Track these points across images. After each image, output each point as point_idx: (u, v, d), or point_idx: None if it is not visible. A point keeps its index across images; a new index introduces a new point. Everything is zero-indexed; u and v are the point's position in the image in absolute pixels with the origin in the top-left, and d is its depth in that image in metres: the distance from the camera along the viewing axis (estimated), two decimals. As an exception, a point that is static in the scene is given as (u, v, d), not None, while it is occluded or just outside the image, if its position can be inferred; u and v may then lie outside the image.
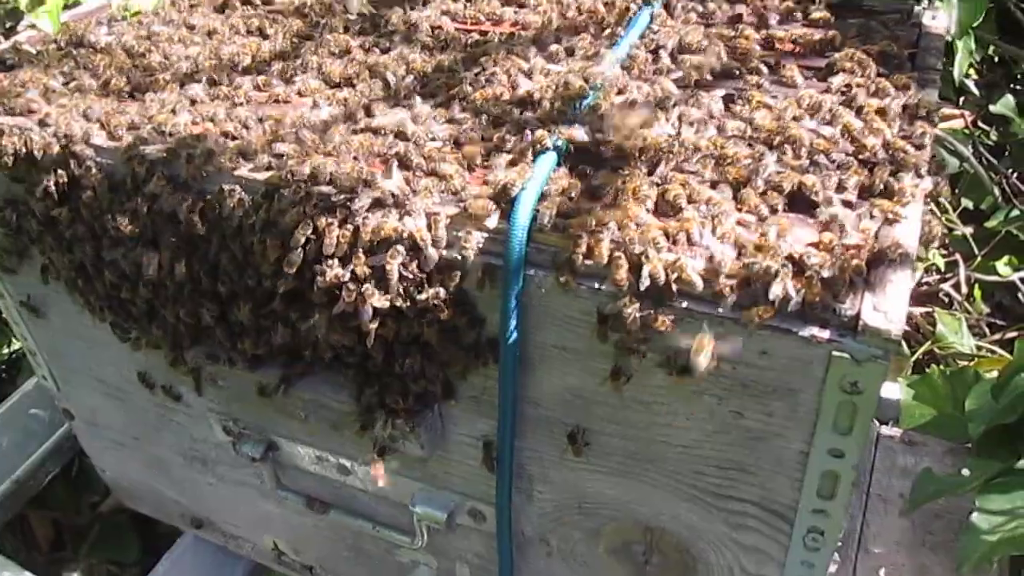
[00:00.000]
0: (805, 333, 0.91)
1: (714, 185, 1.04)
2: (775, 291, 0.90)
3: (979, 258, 2.59)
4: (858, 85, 1.19)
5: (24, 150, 1.26)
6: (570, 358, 1.08)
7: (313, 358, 1.23)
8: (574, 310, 1.03)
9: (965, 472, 1.81)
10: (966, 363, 2.33)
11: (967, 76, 2.81)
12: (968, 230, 2.65)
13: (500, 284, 1.03)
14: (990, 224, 2.62)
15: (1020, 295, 2.60)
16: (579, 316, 1.03)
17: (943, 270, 2.64)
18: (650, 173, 1.05)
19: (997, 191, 2.69)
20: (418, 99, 1.25)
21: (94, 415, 1.82)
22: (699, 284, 0.92)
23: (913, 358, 2.43)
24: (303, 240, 1.08)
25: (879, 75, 1.22)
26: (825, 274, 0.90)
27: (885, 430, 2.10)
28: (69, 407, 1.86)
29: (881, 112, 1.13)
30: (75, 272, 1.37)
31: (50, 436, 2.40)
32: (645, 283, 0.93)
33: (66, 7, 1.67)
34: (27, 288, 1.57)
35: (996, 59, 2.87)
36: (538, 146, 1.08)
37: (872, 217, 0.97)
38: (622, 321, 0.95)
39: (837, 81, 1.21)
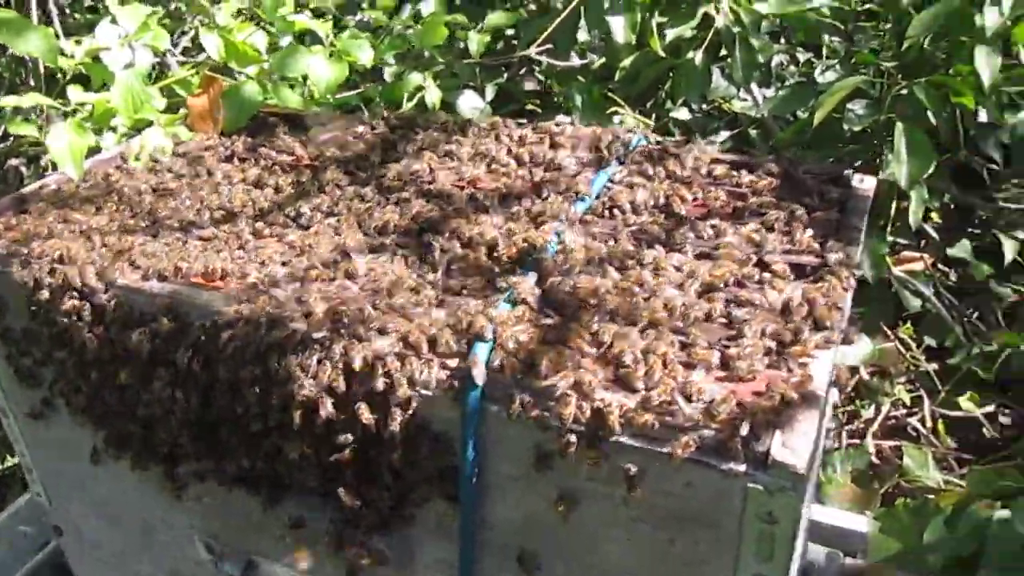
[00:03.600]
0: (724, 467, 1.02)
1: (650, 333, 1.17)
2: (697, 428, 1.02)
3: (943, 394, 2.71)
4: (783, 243, 1.34)
5: (49, 284, 1.41)
6: (523, 486, 1.19)
7: (291, 480, 1.34)
8: (526, 440, 1.14)
9: (921, 604, 1.87)
10: (935, 497, 2.41)
11: (927, 221, 3.01)
12: (932, 367, 2.78)
13: (460, 418, 1.15)
14: (952, 361, 2.75)
15: (985, 430, 2.69)
16: (531, 447, 1.14)
17: (909, 404, 2.75)
18: (598, 321, 1.18)
19: (959, 330, 2.83)
20: (394, 247, 1.41)
21: (83, 532, 1.90)
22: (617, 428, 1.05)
23: (881, 491, 2.51)
24: (283, 372, 1.21)
25: (802, 233, 1.38)
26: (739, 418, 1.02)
27: (850, 562, 2.16)
28: (59, 523, 1.94)
29: (800, 269, 1.27)
30: (83, 395, 1.49)
31: (36, 554, 2.47)
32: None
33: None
34: (30, 405, 1.69)
35: (953, 206, 3.06)
36: (497, 293, 1.22)
37: (786, 364, 1.10)
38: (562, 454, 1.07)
39: (764, 238, 1.36)
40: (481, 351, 1.14)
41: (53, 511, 1.93)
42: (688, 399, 1.06)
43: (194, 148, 1.92)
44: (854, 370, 2.80)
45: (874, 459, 2.64)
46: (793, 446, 1.01)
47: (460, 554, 1.28)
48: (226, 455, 1.38)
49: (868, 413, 2.76)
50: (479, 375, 1.12)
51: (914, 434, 2.73)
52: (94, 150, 2.05)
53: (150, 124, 1.98)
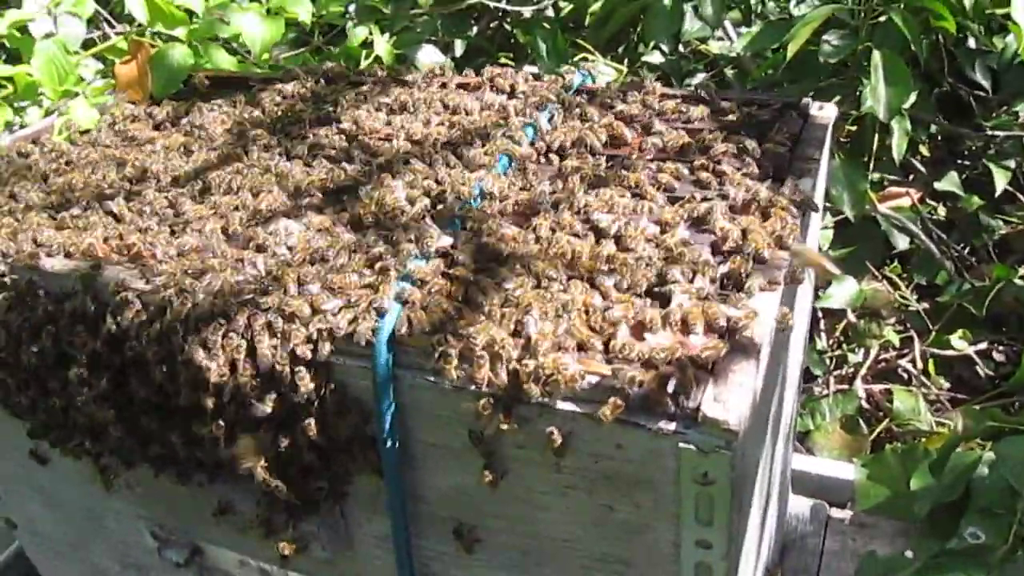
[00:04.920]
0: (652, 425, 0.93)
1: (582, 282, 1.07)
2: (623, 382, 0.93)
3: (934, 333, 2.60)
4: (729, 179, 1.24)
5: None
6: (448, 455, 1.10)
7: (215, 462, 1.25)
8: (444, 408, 1.05)
9: (908, 554, 1.79)
10: (923, 440, 2.32)
11: (915, 155, 2.88)
12: (922, 306, 2.68)
13: (372, 386, 1.05)
14: (943, 299, 2.64)
15: (978, 368, 2.60)
16: (450, 414, 1.05)
17: (899, 346, 2.64)
18: (518, 273, 1.08)
19: (949, 265, 2.72)
20: (315, 209, 1.31)
21: (35, 524, 1.84)
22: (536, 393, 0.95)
23: (871, 437, 2.42)
24: (193, 350, 1.12)
25: (751, 167, 1.27)
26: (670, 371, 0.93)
27: (836, 513, 2.08)
28: (11, 516, 1.87)
29: (746, 208, 1.17)
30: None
31: (9, 545, 2.41)
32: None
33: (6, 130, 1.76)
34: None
35: (939, 137, 2.93)
36: (406, 253, 1.12)
37: (723, 309, 1.00)
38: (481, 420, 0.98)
39: (709, 175, 1.26)
40: (390, 309, 1.05)
41: (3, 504, 1.86)
42: (613, 353, 0.97)
43: (120, 118, 1.81)
44: (841, 313, 2.70)
45: (864, 404, 2.55)
46: (727, 400, 0.91)
47: (393, 529, 1.20)
48: (147, 439, 1.30)
49: (857, 357, 2.66)
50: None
51: (905, 376, 2.63)
52: (22, 126, 1.95)
53: (77, 96, 1.88)
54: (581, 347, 0.98)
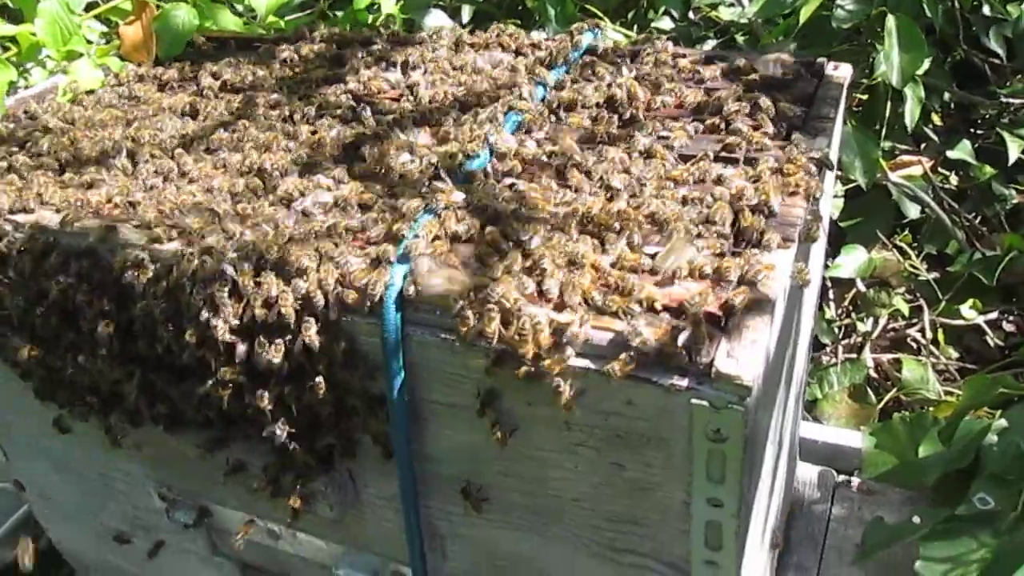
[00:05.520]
0: (664, 381, 0.92)
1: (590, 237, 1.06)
2: (635, 341, 0.92)
3: (944, 302, 2.59)
4: (743, 136, 1.22)
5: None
6: (458, 413, 1.09)
7: (223, 420, 1.25)
8: (455, 366, 1.04)
9: (916, 519, 1.79)
10: (932, 409, 2.31)
11: (927, 123, 2.85)
12: (932, 275, 2.66)
13: (381, 345, 1.04)
14: (953, 268, 2.62)
15: (988, 338, 2.58)
16: (460, 372, 1.04)
17: (908, 316, 2.63)
18: (527, 229, 1.07)
19: (960, 235, 2.69)
20: (323, 168, 1.30)
21: (44, 487, 1.84)
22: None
23: (879, 406, 2.41)
24: (201, 306, 1.11)
25: (766, 125, 1.25)
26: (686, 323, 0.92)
27: (843, 480, 2.07)
28: (20, 479, 1.88)
29: (761, 166, 1.15)
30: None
31: (19, 508, 2.42)
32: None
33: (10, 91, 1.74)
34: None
35: (952, 105, 2.90)
36: (416, 210, 1.11)
37: (737, 264, 0.98)
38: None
39: (723, 132, 1.24)
40: (400, 265, 1.03)
41: (11, 467, 1.86)
42: (622, 310, 0.95)
43: (125, 78, 1.79)
44: (850, 282, 2.68)
45: (872, 373, 2.53)
46: (740, 356, 0.90)
47: (400, 489, 1.19)
48: (155, 398, 1.29)
49: (865, 326, 2.65)
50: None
51: (914, 346, 2.62)
52: (27, 87, 1.94)
53: (81, 56, 1.85)
54: (591, 302, 0.96)
